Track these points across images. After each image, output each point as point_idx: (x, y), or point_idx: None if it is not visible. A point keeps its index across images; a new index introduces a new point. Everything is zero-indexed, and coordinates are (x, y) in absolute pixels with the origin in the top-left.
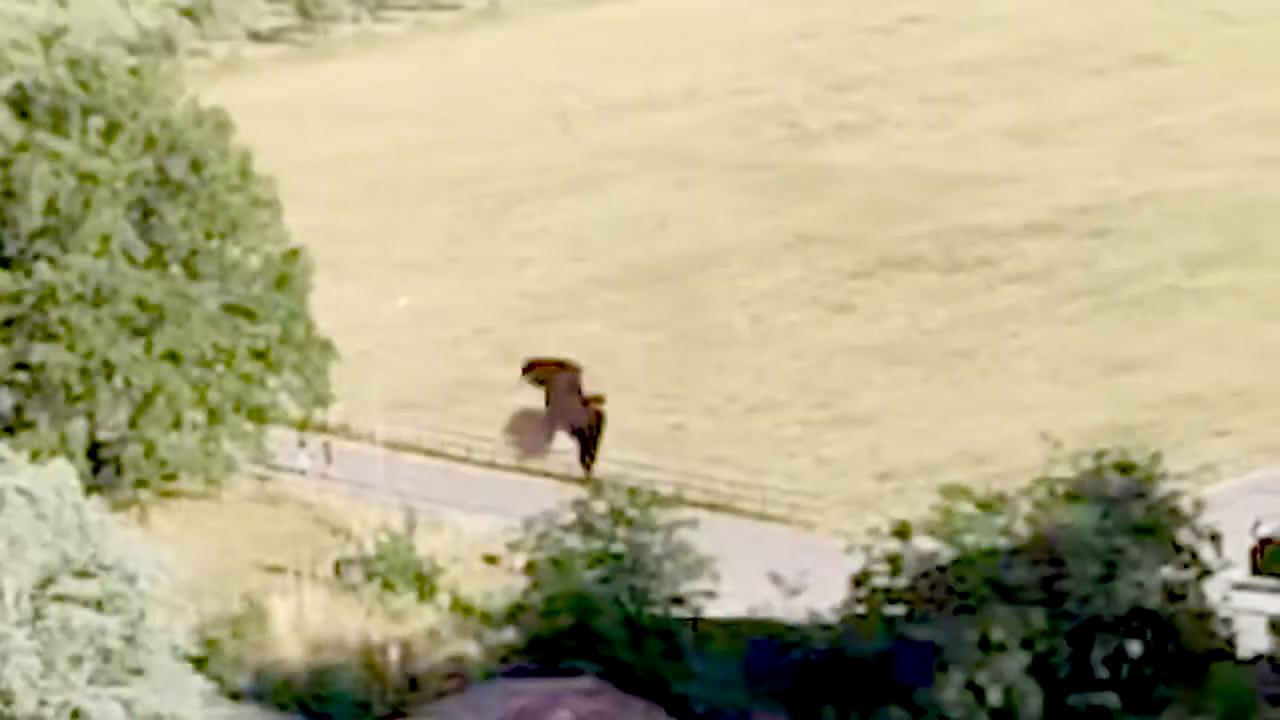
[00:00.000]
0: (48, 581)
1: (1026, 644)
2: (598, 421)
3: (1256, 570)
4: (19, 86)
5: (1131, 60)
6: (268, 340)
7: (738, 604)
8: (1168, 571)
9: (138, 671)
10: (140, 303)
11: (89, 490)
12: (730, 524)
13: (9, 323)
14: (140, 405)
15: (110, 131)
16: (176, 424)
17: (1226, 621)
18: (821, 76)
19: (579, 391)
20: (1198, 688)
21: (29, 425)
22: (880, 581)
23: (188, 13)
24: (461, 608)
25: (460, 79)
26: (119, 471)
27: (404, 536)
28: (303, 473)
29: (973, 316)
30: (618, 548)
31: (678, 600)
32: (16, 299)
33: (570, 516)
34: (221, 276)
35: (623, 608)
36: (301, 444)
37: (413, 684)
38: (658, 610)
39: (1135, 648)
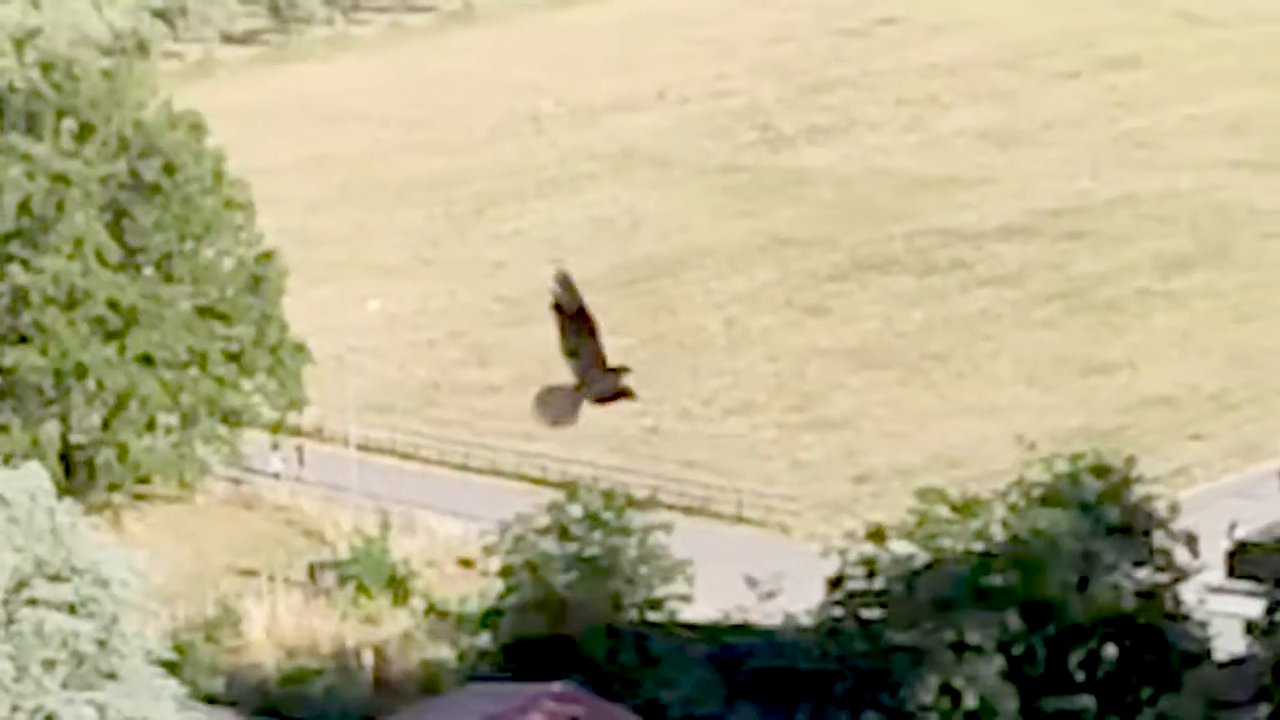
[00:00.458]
0: (20, 585)
1: (1002, 647)
2: (621, 393)
3: (1232, 573)
4: None
5: (1104, 63)
6: (241, 343)
7: (713, 608)
8: (1143, 575)
9: (111, 676)
10: (113, 305)
11: (62, 493)
12: (705, 527)
13: None
14: (113, 408)
15: (83, 133)
16: (150, 427)
17: (1202, 625)
18: (795, 79)
19: (604, 360)
20: (1174, 691)
21: (1, 428)
22: (856, 585)
23: (161, 15)
24: (436, 611)
25: (434, 81)
26: (92, 475)
27: (378, 540)
28: (276, 476)
29: (947, 319)
30: (593, 551)
31: (653, 604)
32: None
33: (545, 520)
34: (195, 279)
35: (597, 612)
36: (275, 447)
37: (386, 688)
38: (633, 614)
39: (1111, 651)
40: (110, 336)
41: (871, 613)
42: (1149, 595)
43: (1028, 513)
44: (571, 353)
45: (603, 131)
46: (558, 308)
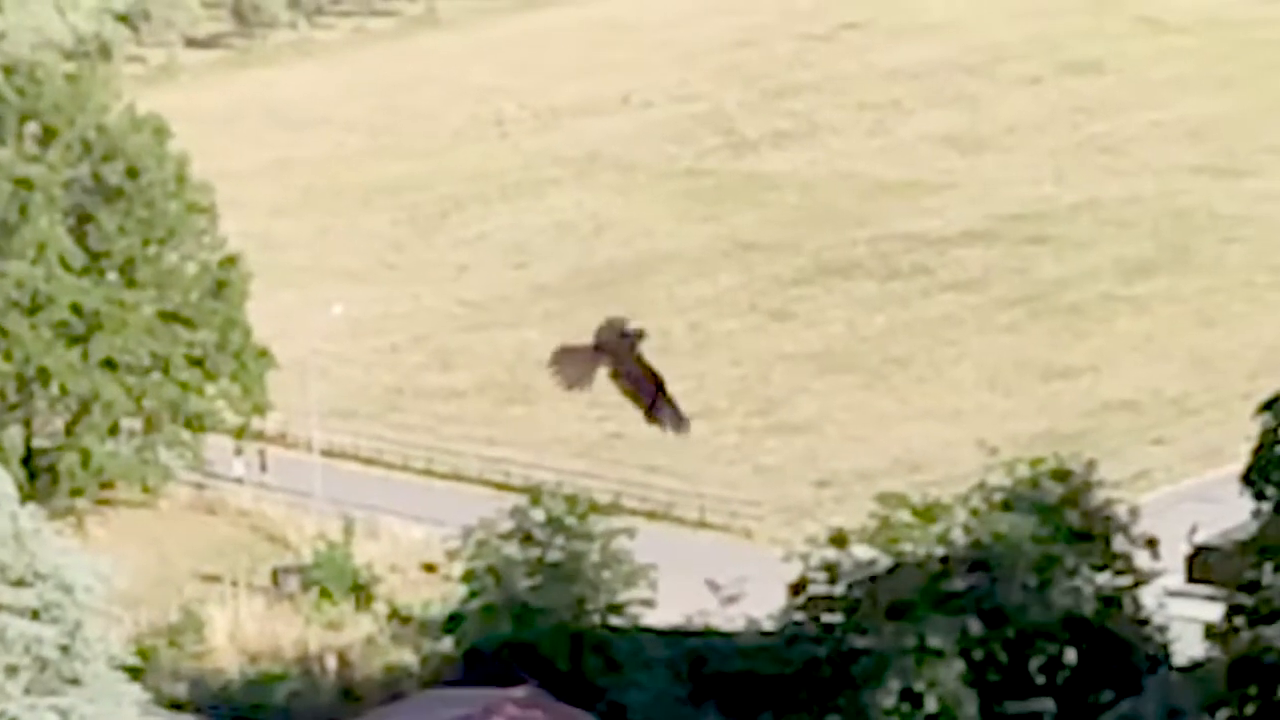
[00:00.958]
0: None
1: (963, 651)
2: (658, 383)
3: (1192, 577)
4: None
5: (1067, 68)
6: (205, 348)
7: (676, 613)
8: (1103, 579)
9: (74, 681)
10: (76, 310)
11: (25, 498)
12: (668, 532)
13: None
14: (77, 413)
15: (46, 137)
16: (113, 432)
17: (1162, 629)
18: (759, 84)
19: (624, 334)
20: (1134, 695)
21: None
22: (818, 589)
23: (124, 18)
24: (399, 616)
25: (397, 86)
26: (55, 480)
27: (341, 545)
28: (239, 480)
29: (910, 324)
30: (555, 556)
31: (615, 609)
32: None
33: (508, 525)
34: (158, 284)
35: (560, 616)
36: (238, 452)
37: (349, 693)
38: (595, 619)
39: (1071, 655)
40: (73, 341)
41: (833, 617)
42: (1109, 599)
43: (989, 517)
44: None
45: (566, 136)
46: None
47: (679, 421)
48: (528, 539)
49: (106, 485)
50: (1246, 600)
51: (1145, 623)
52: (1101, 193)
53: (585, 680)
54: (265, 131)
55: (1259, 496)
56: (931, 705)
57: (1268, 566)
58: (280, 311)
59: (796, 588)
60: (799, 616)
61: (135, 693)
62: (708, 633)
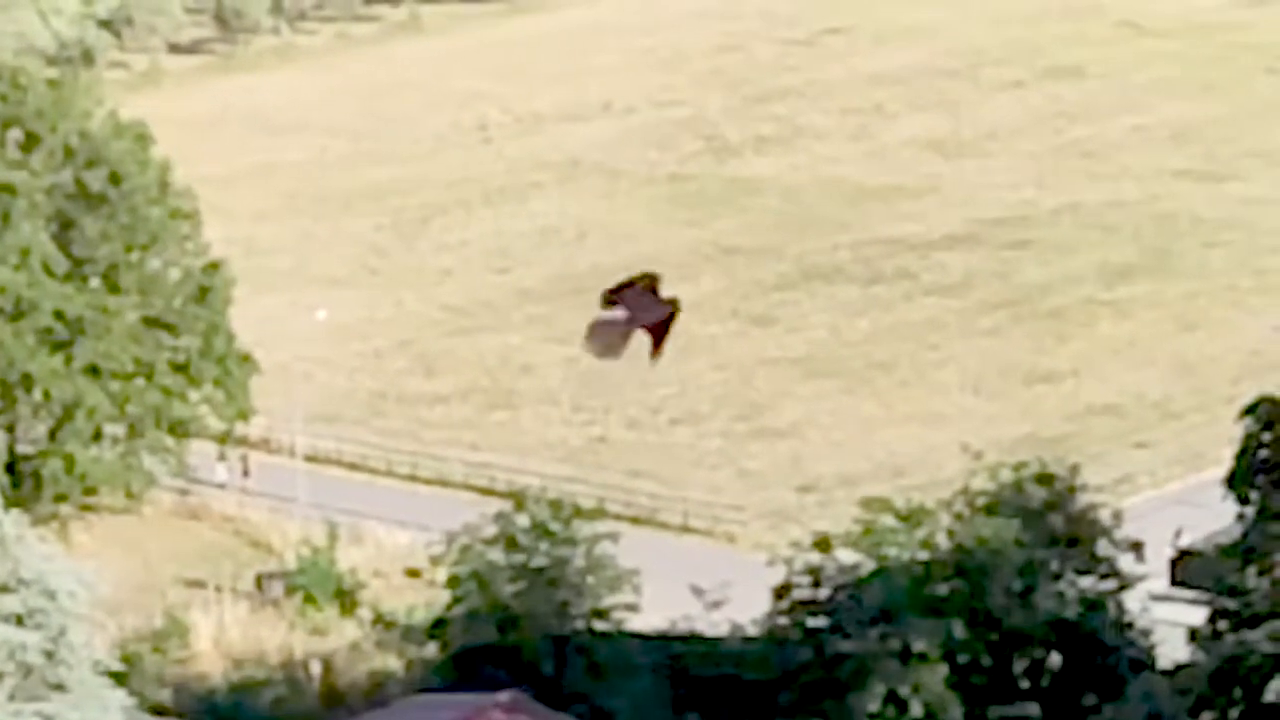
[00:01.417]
0: None
1: (948, 655)
2: (670, 317)
3: (1175, 581)
4: None
5: (1048, 72)
6: (188, 353)
7: (660, 617)
8: (1087, 583)
9: (58, 687)
10: (60, 316)
11: (8, 504)
12: (652, 537)
13: None
14: (60, 419)
15: (29, 143)
16: (97, 437)
17: (1146, 633)
18: (741, 88)
19: (655, 291)
20: (1118, 699)
21: None
22: (802, 594)
23: (107, 24)
24: (383, 622)
25: (380, 91)
26: (39, 485)
27: (325, 550)
28: (222, 486)
29: (893, 328)
30: (540, 561)
31: (600, 614)
32: None
33: (492, 530)
34: (141, 289)
35: (545, 622)
36: (221, 458)
37: (334, 699)
38: (580, 624)
39: (1055, 659)
40: (57, 347)
41: (817, 621)
42: (1093, 604)
43: (973, 521)
44: (611, 295)
45: (549, 141)
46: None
47: (663, 314)
48: (512, 544)
49: (90, 491)
50: (1230, 604)
51: (1129, 627)
52: (1083, 197)
53: (569, 685)
54: (248, 137)
55: (1242, 500)
56: (916, 710)
57: (1251, 570)
58: (264, 317)
59: (780, 592)
60: (783, 621)
61: (120, 698)
62: (692, 638)
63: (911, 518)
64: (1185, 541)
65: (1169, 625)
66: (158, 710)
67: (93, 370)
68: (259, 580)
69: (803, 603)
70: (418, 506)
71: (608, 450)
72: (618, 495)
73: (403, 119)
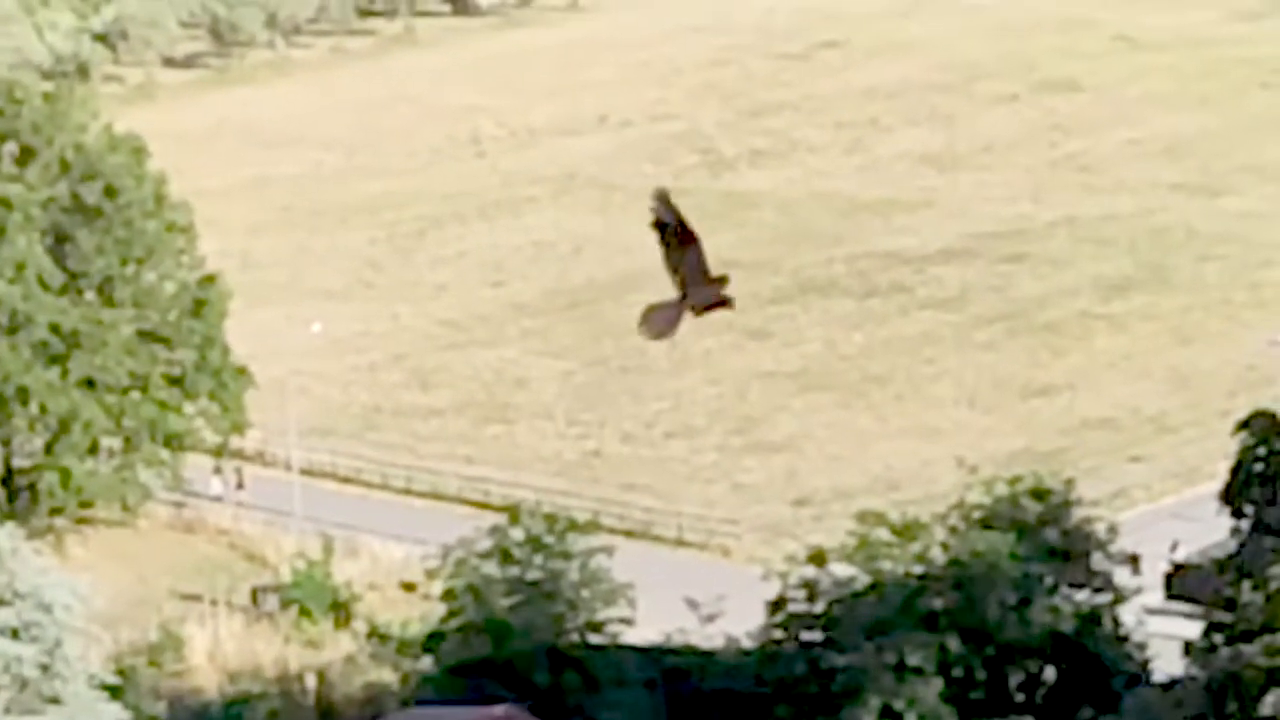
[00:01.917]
0: None
1: (942, 669)
2: (721, 302)
3: (1171, 595)
4: None
5: (1042, 86)
6: (183, 367)
7: (655, 631)
8: (1082, 597)
9: (54, 700)
10: (55, 329)
11: (4, 518)
12: (647, 550)
13: None
14: (56, 432)
15: (24, 157)
16: (92, 451)
17: (1141, 646)
18: (736, 102)
19: (706, 272)
20: (1113, 712)
21: None
22: (797, 608)
23: (102, 38)
24: (378, 635)
25: (375, 105)
26: (34, 499)
27: (320, 564)
28: (218, 499)
29: (888, 342)
30: (535, 575)
31: (595, 627)
32: None
33: (487, 543)
34: (137, 303)
35: (540, 635)
36: (217, 471)
37: (329, 712)
38: (574, 637)
39: (1050, 673)
40: (52, 361)
41: (812, 635)
42: (1088, 617)
43: (968, 535)
44: (674, 268)
45: (544, 155)
46: (659, 225)
47: (714, 296)
48: (507, 557)
49: (85, 504)
50: (1225, 618)
51: (1124, 640)
52: (1079, 211)
53: (564, 698)
54: (243, 151)
55: (1237, 514)
56: None
57: (1246, 584)
58: (259, 330)
59: (775, 606)
60: (778, 634)
61: (114, 712)
62: (687, 651)
63: (906, 531)
64: (1181, 555)
65: (1164, 639)
66: None
67: (88, 383)
68: (254, 593)
69: (797, 616)
70: (413, 520)
71: (602, 464)
72: (612, 509)
73: (398, 133)
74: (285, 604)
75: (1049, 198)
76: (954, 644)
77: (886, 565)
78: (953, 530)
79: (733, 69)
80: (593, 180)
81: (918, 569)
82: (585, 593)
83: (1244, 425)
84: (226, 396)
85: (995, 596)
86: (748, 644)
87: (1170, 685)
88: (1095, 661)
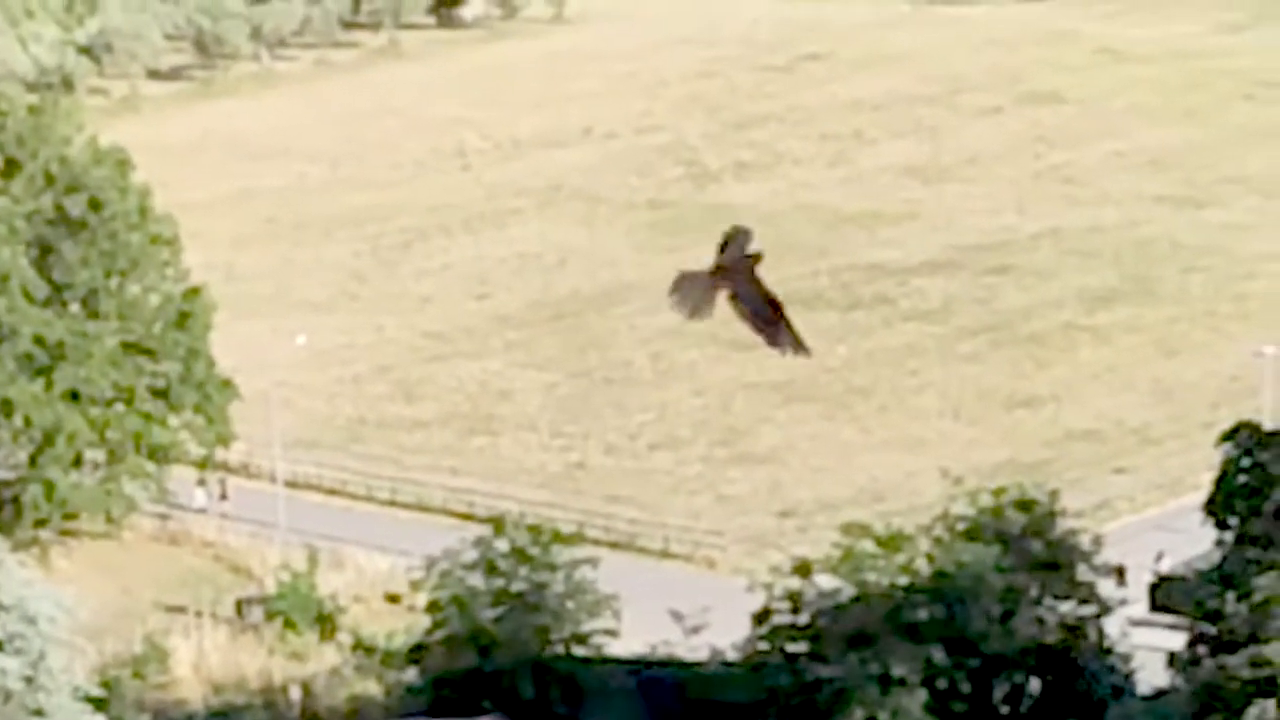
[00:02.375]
0: None
1: (927, 681)
2: (777, 307)
3: (1155, 606)
4: None
5: (1027, 98)
6: (168, 379)
7: (640, 642)
8: (1067, 608)
9: (38, 713)
10: (40, 341)
11: None
12: (632, 562)
13: None
14: (40, 444)
15: (9, 169)
16: (77, 463)
17: (1126, 658)
18: (721, 114)
19: (745, 251)
20: None
21: None
22: (782, 619)
23: (86, 50)
24: (363, 647)
25: (360, 117)
26: (19, 511)
27: (305, 576)
28: (202, 511)
29: (872, 354)
30: (519, 586)
31: (579, 639)
32: None
33: (472, 555)
34: (121, 315)
35: (525, 647)
36: (201, 483)
37: None
38: (559, 649)
39: (1035, 684)
40: (37, 373)
41: (797, 646)
42: (1073, 629)
43: (952, 547)
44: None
45: (529, 167)
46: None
47: (798, 346)
48: (492, 569)
49: (70, 516)
50: (1209, 629)
51: (1109, 652)
52: (1063, 222)
53: (549, 710)
54: (228, 163)
55: (1221, 526)
56: None
57: (1230, 596)
58: (243, 342)
59: (760, 617)
60: (763, 646)
61: None
62: (672, 663)
63: (891, 543)
64: (1165, 567)
65: (1148, 650)
66: None
67: (73, 396)
68: (239, 605)
69: (782, 628)
70: (397, 532)
71: (587, 476)
72: (597, 520)
73: (382, 145)
74: (270, 616)
75: (1033, 210)
76: (938, 655)
77: (871, 577)
78: (937, 542)
79: (717, 81)
80: (578, 192)
81: (902, 580)
82: (570, 604)
83: (1228, 437)
84: (211, 409)
85: (980, 608)
86: (733, 656)
87: (1155, 697)
88: (1080, 673)
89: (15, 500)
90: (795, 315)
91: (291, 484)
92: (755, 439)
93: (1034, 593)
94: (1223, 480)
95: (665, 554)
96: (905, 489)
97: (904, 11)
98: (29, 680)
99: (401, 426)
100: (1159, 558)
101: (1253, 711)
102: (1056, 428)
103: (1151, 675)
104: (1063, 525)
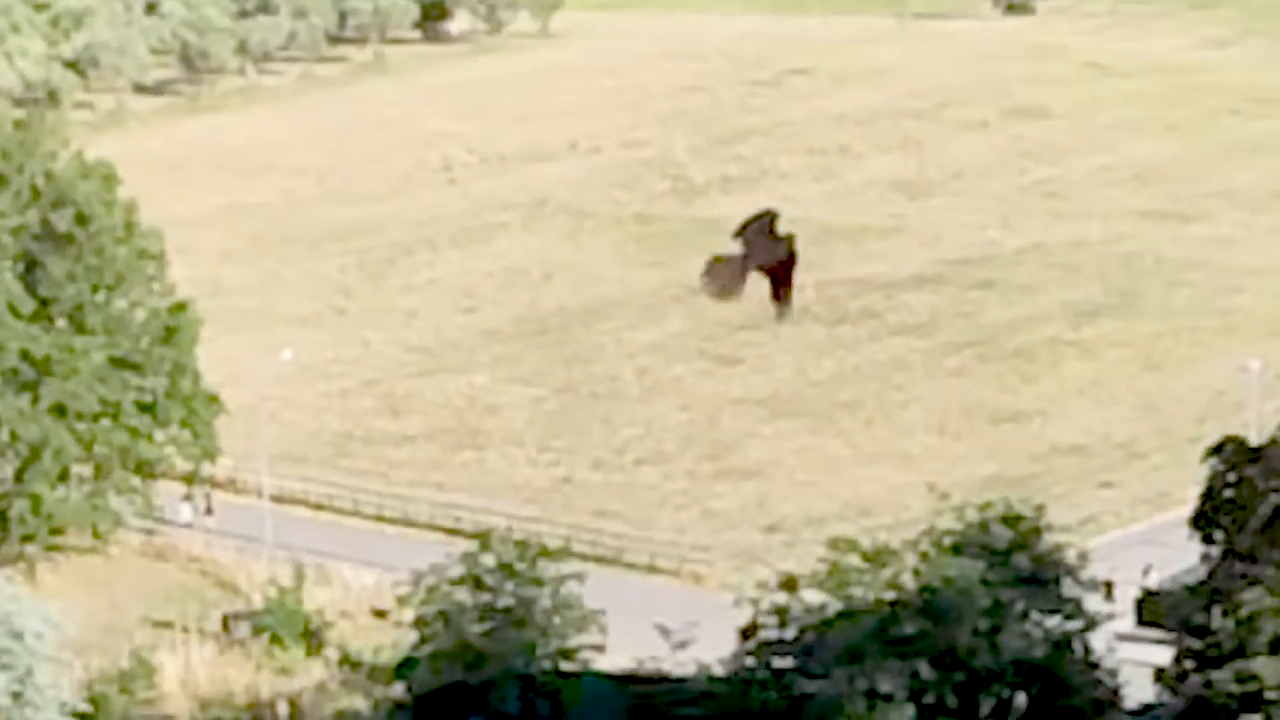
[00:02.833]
0: None
1: (914, 696)
2: (790, 257)
3: (1142, 621)
4: None
5: (1012, 113)
6: (154, 394)
7: (626, 658)
8: (1053, 623)
9: None
10: (26, 356)
11: None
12: (618, 577)
13: None
14: (26, 459)
15: None
16: (63, 478)
17: (1112, 672)
18: (707, 129)
19: (772, 230)
20: None
21: None
22: (769, 634)
23: (72, 65)
24: (350, 662)
25: (346, 131)
26: (5, 526)
27: (292, 591)
28: (189, 525)
29: (858, 368)
30: (506, 601)
31: (566, 654)
32: None
33: (459, 570)
34: (108, 330)
35: (511, 662)
36: (187, 498)
37: None
38: (546, 664)
39: (1022, 699)
40: (23, 387)
41: (784, 662)
42: (1059, 643)
43: (939, 561)
44: (740, 228)
45: (515, 181)
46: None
47: (782, 310)
48: (478, 584)
49: (57, 531)
50: (1196, 644)
51: (1096, 666)
52: (1048, 237)
53: None
54: (214, 177)
55: (1208, 540)
56: None
57: (1217, 610)
58: (230, 357)
59: (747, 632)
60: (750, 661)
61: None
62: (658, 678)
63: (878, 558)
64: (1152, 581)
65: (1135, 665)
66: None
67: (59, 410)
68: (225, 621)
69: (769, 643)
70: (384, 547)
71: (574, 491)
72: (584, 535)
73: (368, 159)
74: (257, 631)
75: (1019, 224)
76: (925, 670)
77: (858, 592)
78: (924, 556)
79: (703, 95)
80: (564, 206)
81: (889, 595)
82: (557, 619)
83: (1214, 451)
84: (198, 423)
85: (966, 623)
86: (719, 671)
87: (1141, 712)
88: (1066, 688)
89: (2, 515)
90: (780, 330)
91: (278, 499)
92: (742, 454)
93: (1020, 607)
94: (1209, 495)
95: (652, 569)
96: (892, 504)
97: (889, 26)
98: (16, 696)
99: (388, 441)
100: (1147, 571)
101: None
102: (1042, 442)
103: (1138, 690)
104: (1049, 540)
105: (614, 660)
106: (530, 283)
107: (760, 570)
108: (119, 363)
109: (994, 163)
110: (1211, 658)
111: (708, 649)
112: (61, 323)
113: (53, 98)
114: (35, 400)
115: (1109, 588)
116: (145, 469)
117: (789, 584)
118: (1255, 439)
